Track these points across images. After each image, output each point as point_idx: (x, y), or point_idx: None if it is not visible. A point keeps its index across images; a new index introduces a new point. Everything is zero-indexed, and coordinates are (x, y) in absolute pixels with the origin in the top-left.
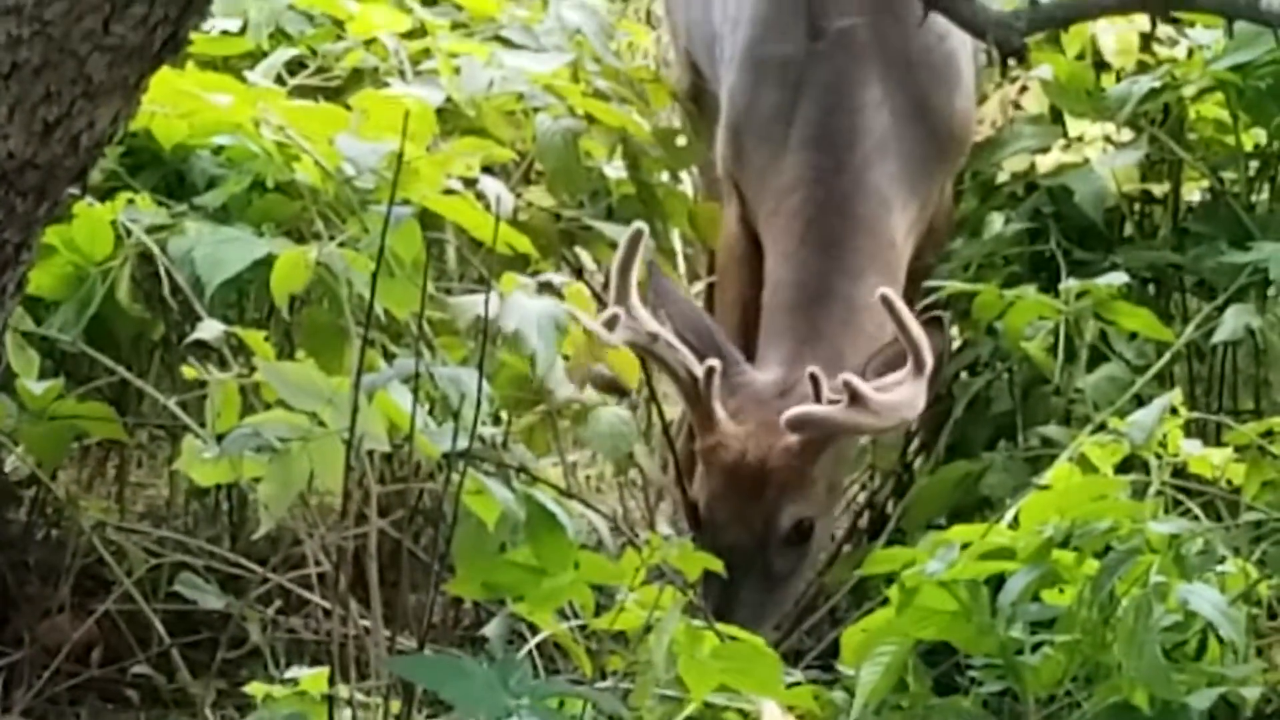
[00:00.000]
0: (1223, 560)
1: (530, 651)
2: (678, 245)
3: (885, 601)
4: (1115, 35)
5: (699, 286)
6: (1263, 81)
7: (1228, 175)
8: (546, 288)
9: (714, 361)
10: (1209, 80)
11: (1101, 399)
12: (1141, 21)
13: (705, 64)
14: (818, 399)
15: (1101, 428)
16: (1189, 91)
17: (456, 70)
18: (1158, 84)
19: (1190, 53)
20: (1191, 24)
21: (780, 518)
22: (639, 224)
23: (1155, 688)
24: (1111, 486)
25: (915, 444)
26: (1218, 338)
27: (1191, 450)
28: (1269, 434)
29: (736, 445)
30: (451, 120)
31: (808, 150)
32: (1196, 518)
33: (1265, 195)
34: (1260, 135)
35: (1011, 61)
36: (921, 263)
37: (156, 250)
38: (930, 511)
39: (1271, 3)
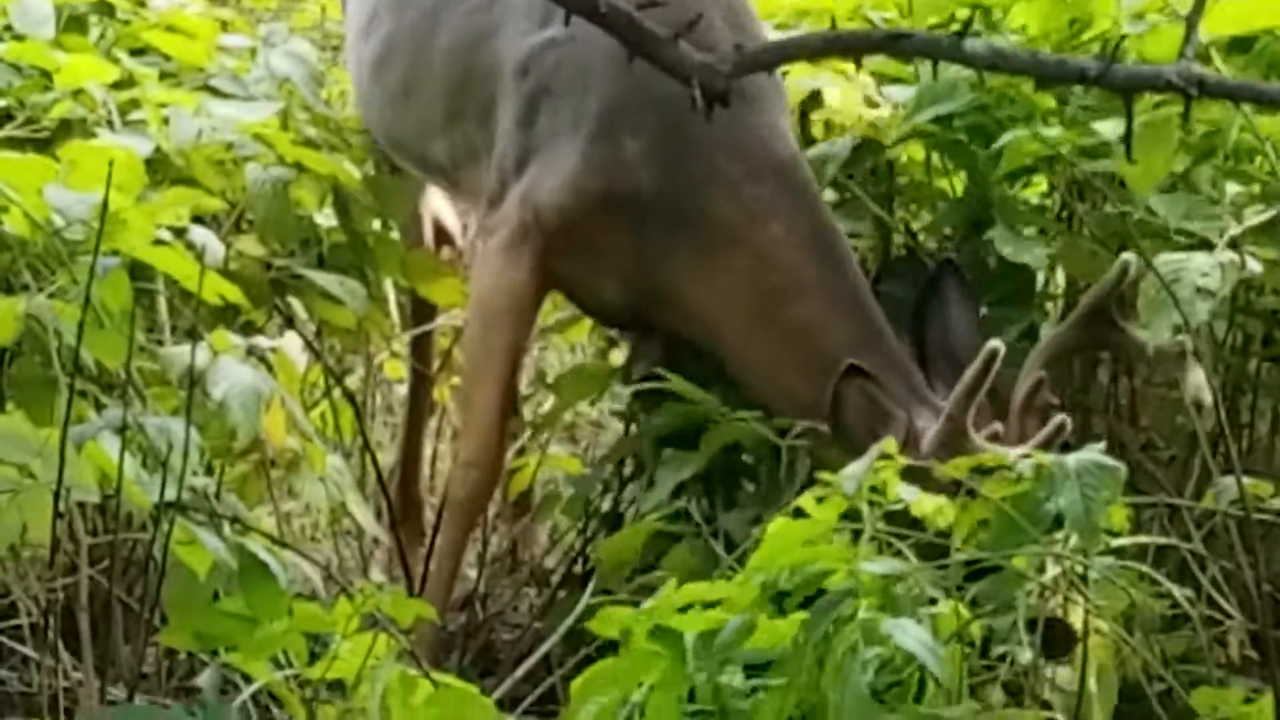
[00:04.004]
0: (934, 602)
1: (244, 701)
2: (390, 293)
3: (601, 648)
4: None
5: (409, 335)
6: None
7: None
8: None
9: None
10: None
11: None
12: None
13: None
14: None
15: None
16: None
17: (165, 120)
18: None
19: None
20: (893, 82)
21: None
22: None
23: None
24: (821, 529)
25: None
26: None
27: (907, 496)
28: (980, 470)
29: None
30: (161, 170)
31: (759, 184)
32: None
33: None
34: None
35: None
36: None
37: None
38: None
39: (974, 46)
